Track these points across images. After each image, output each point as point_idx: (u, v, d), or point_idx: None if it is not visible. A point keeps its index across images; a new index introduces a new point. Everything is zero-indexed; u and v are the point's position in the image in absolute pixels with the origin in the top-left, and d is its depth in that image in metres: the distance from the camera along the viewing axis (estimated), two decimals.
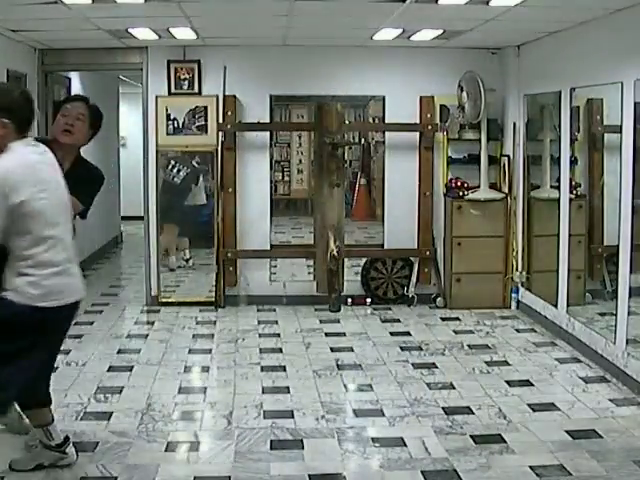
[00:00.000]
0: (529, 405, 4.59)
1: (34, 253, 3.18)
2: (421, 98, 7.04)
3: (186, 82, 6.97)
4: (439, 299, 7.14)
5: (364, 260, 7.27)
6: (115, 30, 6.01)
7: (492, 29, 5.81)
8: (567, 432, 4.14)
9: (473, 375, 5.20)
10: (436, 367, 5.36)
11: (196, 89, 6.96)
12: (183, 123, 6.97)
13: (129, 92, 10.96)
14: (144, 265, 7.35)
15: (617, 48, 5.03)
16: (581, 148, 6.15)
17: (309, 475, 3.68)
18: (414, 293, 7.18)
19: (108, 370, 5.27)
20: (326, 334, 6.16)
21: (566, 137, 5.91)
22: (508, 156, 6.96)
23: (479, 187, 7.02)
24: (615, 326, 5.06)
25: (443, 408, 4.54)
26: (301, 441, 4.06)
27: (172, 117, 6.95)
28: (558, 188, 6.03)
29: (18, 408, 3.75)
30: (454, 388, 4.92)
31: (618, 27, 5.01)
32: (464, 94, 6.79)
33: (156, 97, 6.97)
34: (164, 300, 7.14)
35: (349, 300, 7.11)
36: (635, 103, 4.79)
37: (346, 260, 7.11)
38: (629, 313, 4.91)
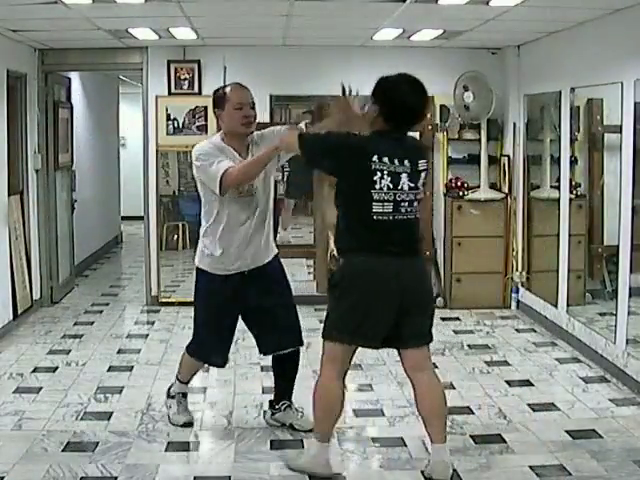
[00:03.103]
0: (529, 405, 4.59)
1: None
2: None
3: (186, 82, 6.97)
4: (439, 299, 7.14)
5: None
6: (115, 30, 6.01)
7: (492, 29, 5.81)
8: (567, 432, 4.14)
9: (473, 375, 5.20)
10: (436, 367, 5.30)
11: (196, 89, 6.97)
12: (183, 123, 6.97)
13: (129, 92, 10.96)
14: (144, 265, 7.35)
15: (617, 48, 5.03)
16: (581, 148, 6.15)
17: (309, 475, 3.67)
18: None
19: (108, 370, 5.27)
20: None
21: (566, 137, 5.91)
22: (508, 156, 6.96)
23: (479, 187, 7.02)
24: (615, 326, 5.05)
25: None
26: (301, 441, 4.05)
27: (172, 117, 6.95)
28: (558, 188, 6.03)
29: None
30: (454, 388, 4.92)
31: (618, 27, 5.01)
32: (469, 94, 6.78)
33: (156, 97, 6.97)
34: (164, 300, 7.14)
35: None
36: (635, 103, 4.79)
37: None
38: (629, 313, 4.91)
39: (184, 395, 4.30)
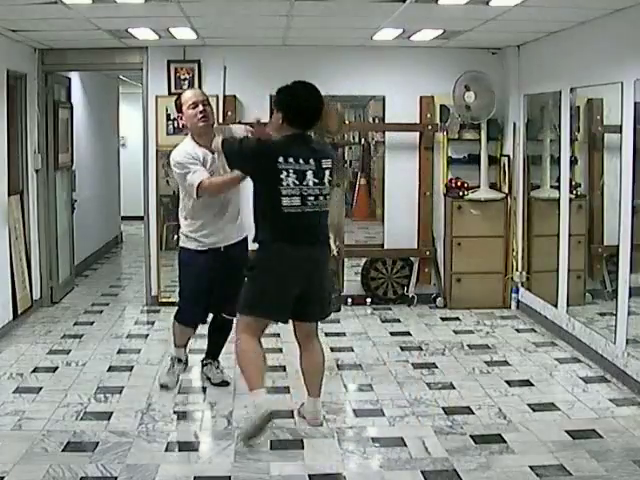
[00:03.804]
0: (529, 405, 4.60)
1: None
2: (421, 98, 7.04)
3: (186, 82, 6.96)
4: (439, 299, 7.15)
5: (364, 260, 7.27)
6: (115, 30, 6.01)
7: (492, 29, 5.82)
8: (567, 432, 4.15)
9: (473, 375, 5.20)
10: (436, 367, 5.37)
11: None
12: (183, 123, 6.94)
13: (129, 92, 10.96)
14: (144, 265, 7.35)
15: (617, 48, 5.03)
16: (581, 148, 6.15)
17: (309, 475, 3.68)
18: (414, 293, 7.18)
19: (108, 370, 5.27)
20: (326, 334, 6.14)
21: (566, 137, 5.91)
22: (508, 156, 6.96)
23: (479, 187, 7.02)
24: (615, 326, 5.06)
25: (443, 408, 4.55)
26: (301, 441, 4.06)
27: (172, 117, 6.94)
28: (558, 188, 6.03)
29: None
30: (454, 388, 4.92)
31: (618, 27, 5.01)
32: (470, 93, 6.77)
33: (156, 97, 6.96)
34: (164, 300, 7.14)
35: (349, 300, 7.11)
36: (635, 103, 4.79)
37: (346, 260, 7.11)
38: (629, 313, 4.91)
39: (179, 361, 4.90)
